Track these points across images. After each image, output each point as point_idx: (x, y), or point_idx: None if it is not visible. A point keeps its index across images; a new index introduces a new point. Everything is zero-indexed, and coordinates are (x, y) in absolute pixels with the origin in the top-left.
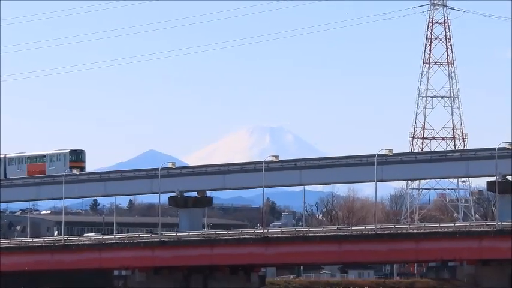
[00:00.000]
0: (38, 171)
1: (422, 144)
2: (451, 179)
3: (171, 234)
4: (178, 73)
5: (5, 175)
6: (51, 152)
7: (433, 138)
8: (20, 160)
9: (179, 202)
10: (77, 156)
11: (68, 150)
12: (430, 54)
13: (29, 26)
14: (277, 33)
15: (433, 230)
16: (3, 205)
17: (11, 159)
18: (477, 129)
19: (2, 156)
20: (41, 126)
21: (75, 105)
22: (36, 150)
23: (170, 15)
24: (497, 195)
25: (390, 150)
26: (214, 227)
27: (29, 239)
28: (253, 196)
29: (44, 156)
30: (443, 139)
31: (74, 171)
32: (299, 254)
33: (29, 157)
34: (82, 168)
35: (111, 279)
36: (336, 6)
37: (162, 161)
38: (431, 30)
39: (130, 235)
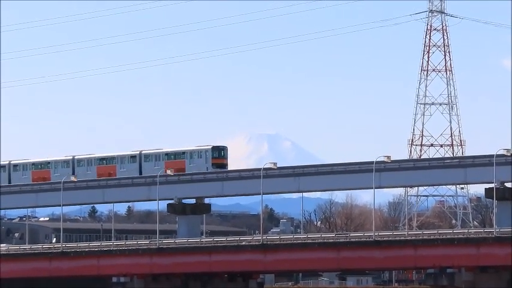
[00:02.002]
0: (176, 169)
1: (421, 151)
2: (449, 186)
3: (169, 241)
4: (175, 80)
5: (140, 172)
6: (191, 149)
7: (431, 145)
8: (157, 157)
9: (177, 209)
10: (219, 153)
11: (210, 147)
12: (428, 61)
13: (20, 33)
14: (274, 40)
15: (431, 237)
16: (1, 212)
17: (147, 155)
18: (475, 136)
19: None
20: (36, 132)
21: (73, 111)
22: (40, 156)
23: (167, 21)
24: (495, 202)
25: (388, 157)
26: (212, 234)
27: (27, 246)
28: (251, 203)
29: (183, 152)
30: (441, 146)
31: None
32: (297, 261)
33: (166, 154)
34: (224, 166)
35: (109, 286)
36: (334, 13)
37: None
38: (430, 37)
39: (128, 242)
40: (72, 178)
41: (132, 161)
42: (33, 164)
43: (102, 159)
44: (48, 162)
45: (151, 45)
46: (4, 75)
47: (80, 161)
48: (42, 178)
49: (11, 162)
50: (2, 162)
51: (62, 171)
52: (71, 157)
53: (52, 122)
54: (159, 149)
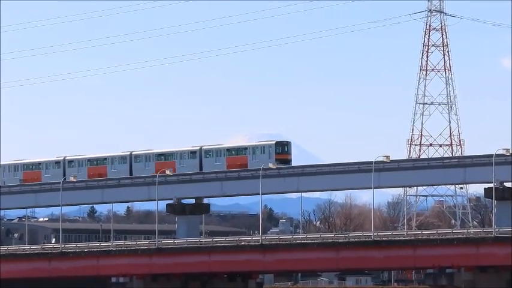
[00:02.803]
0: (238, 165)
1: (420, 151)
2: (448, 186)
3: (168, 242)
4: (175, 80)
5: (200, 168)
6: (254, 144)
7: (431, 145)
8: (218, 152)
9: (177, 209)
10: (282, 148)
11: (274, 142)
12: (427, 61)
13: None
14: (274, 40)
15: (431, 237)
16: (1, 212)
17: (208, 151)
18: (474, 135)
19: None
20: (35, 133)
21: (72, 111)
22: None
23: (167, 21)
24: (494, 201)
25: (387, 157)
26: (211, 234)
27: (26, 247)
28: (250, 203)
29: (245, 148)
30: (440, 146)
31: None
32: (297, 261)
33: (228, 149)
34: (288, 162)
35: (108, 286)
36: (334, 14)
37: None
38: (429, 36)
39: (128, 242)
40: (71, 178)
41: (192, 156)
42: (89, 160)
43: (160, 155)
44: (105, 158)
45: (151, 45)
46: (4, 76)
47: (137, 156)
48: (98, 174)
49: (66, 158)
50: (57, 158)
51: (118, 167)
52: (129, 153)
53: (41, 122)
54: (220, 145)
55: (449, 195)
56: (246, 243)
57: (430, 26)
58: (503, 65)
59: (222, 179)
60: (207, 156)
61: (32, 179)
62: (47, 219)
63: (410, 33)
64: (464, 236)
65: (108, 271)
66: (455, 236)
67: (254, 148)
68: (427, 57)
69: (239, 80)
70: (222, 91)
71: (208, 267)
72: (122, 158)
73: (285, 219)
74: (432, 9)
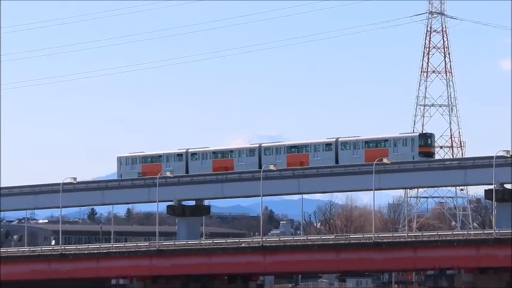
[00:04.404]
0: (379, 158)
1: None
2: (449, 187)
3: (169, 243)
4: (175, 82)
5: (336, 161)
6: (395, 136)
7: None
8: (356, 144)
9: (177, 211)
10: (425, 141)
11: (417, 134)
12: (428, 63)
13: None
14: (274, 41)
15: (431, 239)
16: (0, 214)
17: (345, 143)
18: (475, 137)
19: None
20: (35, 134)
21: (72, 112)
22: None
23: (168, 23)
24: (495, 203)
25: (388, 158)
26: (212, 235)
27: (26, 248)
28: (251, 205)
29: (386, 140)
30: (441, 147)
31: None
32: (297, 262)
33: (366, 141)
34: (431, 155)
35: None
36: (334, 15)
37: None
38: (429, 38)
39: (128, 244)
40: (71, 180)
41: (327, 149)
42: (214, 152)
43: (292, 147)
44: (231, 151)
45: (153, 47)
46: (4, 76)
47: (266, 149)
48: (224, 167)
49: (189, 151)
50: (179, 150)
51: (246, 160)
52: (257, 145)
53: (42, 123)
54: (358, 136)
55: (450, 197)
56: (247, 245)
57: (431, 28)
58: (503, 67)
59: (223, 181)
60: (344, 148)
61: (152, 172)
62: (46, 221)
63: (411, 35)
64: (465, 237)
65: (108, 273)
66: (455, 238)
67: (396, 140)
68: (428, 59)
69: (239, 81)
70: (223, 91)
71: (208, 269)
72: (251, 150)
73: (285, 220)
74: (433, 11)
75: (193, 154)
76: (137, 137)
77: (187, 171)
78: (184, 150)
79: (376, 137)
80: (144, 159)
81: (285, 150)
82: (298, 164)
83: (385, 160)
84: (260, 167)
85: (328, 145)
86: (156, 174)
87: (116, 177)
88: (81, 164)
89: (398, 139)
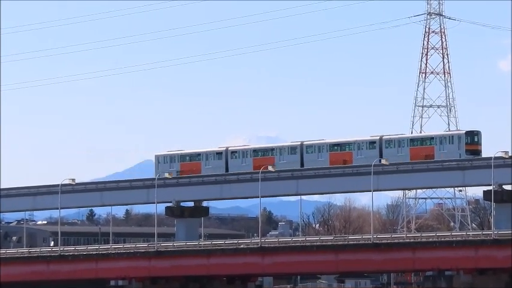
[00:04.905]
0: (424, 156)
1: None
2: (447, 188)
3: (167, 244)
4: (174, 83)
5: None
6: (441, 134)
7: None
8: (400, 142)
9: (176, 212)
10: (472, 138)
11: (464, 132)
12: (426, 64)
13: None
14: (272, 42)
15: (430, 239)
16: None
17: (389, 141)
18: None
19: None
20: (33, 134)
21: (73, 114)
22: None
23: (166, 23)
24: (493, 204)
25: (387, 159)
26: (211, 236)
27: (25, 250)
28: (250, 206)
29: (432, 138)
30: None
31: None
32: (296, 263)
33: (411, 139)
34: (478, 153)
35: None
36: (333, 16)
37: None
38: (428, 39)
39: (126, 245)
40: (69, 181)
41: (371, 147)
42: (254, 150)
43: (334, 145)
44: (272, 149)
45: (151, 48)
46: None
47: (308, 147)
48: (265, 166)
49: (229, 149)
50: (218, 149)
51: (287, 158)
52: (299, 143)
53: (40, 124)
54: (402, 134)
55: (449, 198)
56: (245, 246)
57: (429, 29)
58: (501, 67)
59: (221, 182)
60: (388, 147)
61: (191, 171)
62: (45, 222)
63: (410, 36)
64: (463, 238)
65: (107, 274)
66: (454, 239)
67: (442, 138)
68: (426, 60)
69: (239, 81)
70: (222, 92)
71: (207, 270)
72: (292, 148)
73: (284, 222)
74: (431, 12)
75: (233, 152)
76: (137, 138)
77: (227, 170)
78: (224, 148)
79: (421, 135)
80: (183, 157)
81: (328, 148)
82: (341, 162)
83: (383, 161)
84: (302, 165)
85: (372, 143)
86: (194, 172)
87: (115, 179)
88: (80, 164)
89: (444, 137)
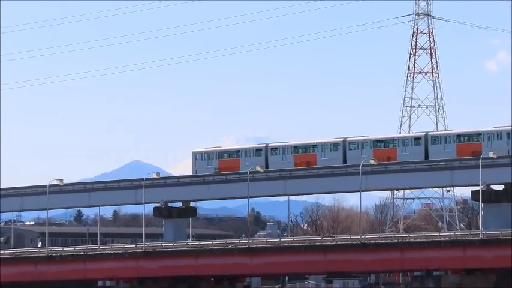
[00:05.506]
0: (472, 152)
1: None
2: (435, 189)
3: (155, 245)
4: (163, 83)
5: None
6: (489, 130)
7: None
8: (447, 139)
9: (164, 212)
10: None
11: (511, 127)
12: (414, 64)
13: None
14: (261, 43)
15: (418, 240)
16: None
17: (435, 137)
18: None
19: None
20: (22, 134)
21: (61, 114)
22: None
23: (151, 25)
24: (481, 204)
25: (375, 159)
26: (199, 237)
27: (12, 250)
28: (238, 206)
29: (479, 134)
30: None
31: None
32: (284, 264)
33: (458, 135)
34: None
35: None
36: (321, 16)
37: (146, 171)
38: (416, 40)
39: (114, 246)
40: (57, 181)
41: (416, 143)
42: (295, 146)
43: (378, 141)
44: (314, 145)
45: (139, 48)
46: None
47: (352, 143)
48: (306, 162)
49: (269, 145)
50: (258, 145)
51: (329, 154)
52: (341, 139)
53: (29, 124)
54: (449, 130)
55: (437, 198)
56: (233, 247)
57: (417, 29)
58: (489, 67)
59: (209, 182)
60: (434, 143)
61: (229, 168)
62: (33, 222)
63: (398, 36)
64: (452, 238)
65: (94, 274)
66: (442, 239)
67: (490, 134)
68: (415, 60)
69: (228, 82)
70: (210, 93)
71: (195, 271)
72: (334, 145)
73: (272, 222)
74: (419, 12)
75: (274, 149)
76: (120, 142)
77: (266, 167)
78: (264, 145)
79: (468, 130)
80: (221, 154)
81: (372, 145)
82: (385, 159)
83: (371, 161)
84: (345, 162)
85: (417, 139)
86: (233, 170)
87: (103, 179)
88: (68, 165)
89: (492, 133)
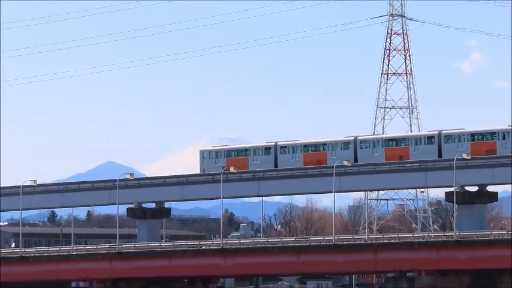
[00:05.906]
0: (485, 151)
1: None
2: (409, 190)
3: (129, 246)
4: (137, 84)
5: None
6: (503, 128)
7: None
8: (460, 138)
9: (137, 213)
10: None
11: None
12: (388, 65)
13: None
14: (233, 44)
15: (392, 241)
16: None
17: (448, 135)
18: None
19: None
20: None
21: (34, 114)
22: None
23: (125, 26)
24: (455, 205)
25: (348, 160)
26: (172, 238)
27: None
28: (211, 207)
29: (493, 133)
30: None
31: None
32: (257, 265)
33: (472, 134)
34: None
35: None
36: (294, 17)
37: (120, 172)
38: (390, 41)
39: (88, 246)
40: (31, 182)
41: (429, 142)
42: (305, 145)
43: (390, 140)
44: (324, 144)
45: (116, 48)
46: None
47: (363, 142)
48: (316, 161)
49: (278, 144)
50: (267, 143)
51: (340, 154)
52: (352, 137)
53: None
54: (462, 129)
55: (410, 199)
56: (207, 247)
57: (391, 30)
58: (464, 69)
59: (183, 183)
60: (447, 141)
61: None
62: (6, 223)
63: (372, 37)
64: (425, 239)
65: (68, 275)
66: (416, 240)
67: (504, 133)
68: (389, 61)
69: (201, 83)
70: (183, 95)
71: (168, 272)
72: (345, 144)
73: (245, 223)
74: (394, 13)
75: (283, 147)
76: (94, 143)
77: (276, 165)
78: (273, 143)
79: (482, 129)
80: (229, 152)
81: (383, 144)
82: (397, 158)
83: (345, 162)
84: (356, 161)
85: (430, 138)
86: (241, 168)
87: (76, 180)
88: (42, 165)
89: (508, 131)
